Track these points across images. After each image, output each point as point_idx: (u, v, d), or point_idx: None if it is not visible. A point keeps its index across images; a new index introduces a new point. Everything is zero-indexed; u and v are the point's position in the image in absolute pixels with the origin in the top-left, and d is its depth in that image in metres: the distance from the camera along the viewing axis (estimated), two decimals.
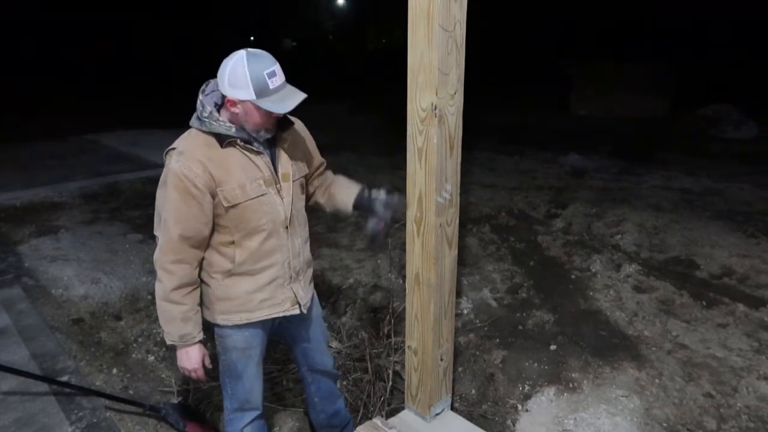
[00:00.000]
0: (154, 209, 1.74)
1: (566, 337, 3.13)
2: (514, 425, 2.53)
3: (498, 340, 3.14)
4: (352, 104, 12.52)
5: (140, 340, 3.18)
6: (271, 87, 1.55)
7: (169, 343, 1.77)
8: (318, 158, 2.00)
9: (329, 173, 2.06)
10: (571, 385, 2.72)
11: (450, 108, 1.79)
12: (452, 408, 2.44)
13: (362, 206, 1.94)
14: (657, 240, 4.48)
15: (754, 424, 2.43)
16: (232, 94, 1.56)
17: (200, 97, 1.67)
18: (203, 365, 1.84)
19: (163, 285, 1.69)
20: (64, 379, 2.67)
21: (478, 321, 3.36)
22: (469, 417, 2.46)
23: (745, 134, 9.13)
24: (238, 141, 1.65)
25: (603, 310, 3.43)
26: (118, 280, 3.86)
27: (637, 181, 6.33)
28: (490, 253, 4.33)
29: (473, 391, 2.79)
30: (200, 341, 1.80)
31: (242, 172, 1.67)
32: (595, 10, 15.08)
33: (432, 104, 1.74)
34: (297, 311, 1.89)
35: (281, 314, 1.86)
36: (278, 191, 1.76)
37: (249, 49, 1.57)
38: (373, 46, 26.80)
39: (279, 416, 2.63)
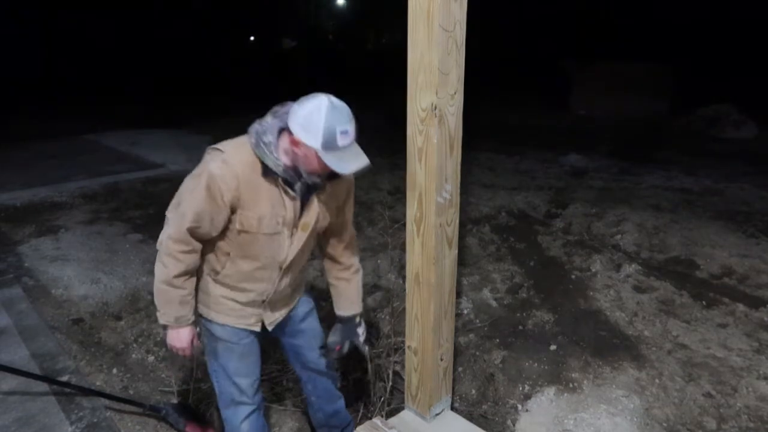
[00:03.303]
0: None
1: (566, 337, 3.13)
2: (514, 425, 2.53)
3: (498, 340, 3.14)
4: (352, 104, 12.52)
5: (140, 340, 3.18)
6: (339, 144, 1.53)
7: (162, 322, 1.79)
8: (346, 224, 1.97)
9: (353, 259, 2.06)
10: (571, 385, 2.72)
11: (450, 108, 1.79)
12: (452, 408, 2.44)
13: (342, 325, 2.09)
14: (657, 240, 4.47)
15: (754, 424, 2.43)
16: (300, 135, 1.55)
17: (269, 117, 1.65)
18: (192, 345, 1.87)
19: (167, 270, 1.69)
20: (64, 379, 2.67)
21: (478, 321, 3.36)
22: (469, 417, 2.46)
23: (745, 134, 9.13)
24: (280, 180, 1.65)
25: (603, 310, 3.43)
26: (118, 280, 3.86)
27: (637, 181, 6.33)
28: (490, 253, 4.33)
29: (473, 391, 2.78)
30: (192, 323, 1.83)
31: (269, 205, 1.68)
32: (596, 10, 15.08)
33: (432, 104, 1.74)
34: (258, 329, 1.92)
35: (245, 327, 1.89)
36: (291, 235, 1.77)
37: (332, 99, 1.56)
38: (373, 46, 26.80)
39: (279, 416, 2.63)
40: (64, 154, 7.75)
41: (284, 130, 1.62)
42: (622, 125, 9.86)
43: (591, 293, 3.64)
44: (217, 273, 1.80)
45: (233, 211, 1.66)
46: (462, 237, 3.11)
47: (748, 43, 12.37)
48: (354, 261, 2.07)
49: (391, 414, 2.42)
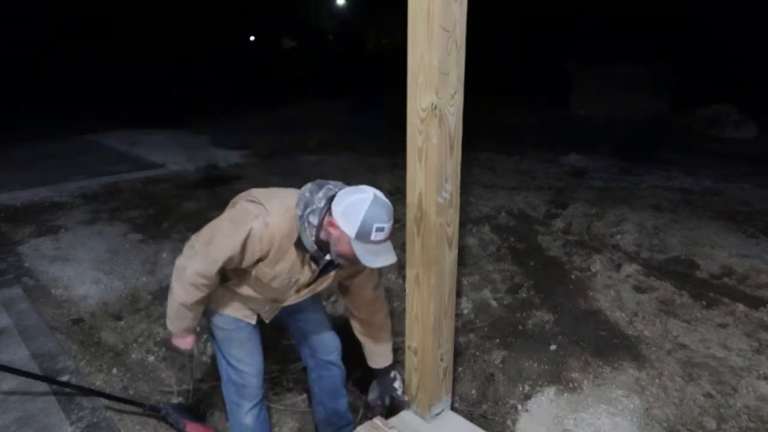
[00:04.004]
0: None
1: (566, 337, 3.13)
2: (514, 425, 2.53)
3: (498, 340, 3.14)
4: (352, 104, 12.52)
5: (140, 340, 3.18)
6: (372, 238, 1.59)
7: (171, 330, 1.93)
8: (363, 290, 2.02)
9: (375, 317, 2.10)
10: (571, 385, 2.72)
11: (450, 108, 1.79)
12: (452, 408, 2.44)
13: (378, 381, 2.22)
14: (657, 240, 4.47)
15: (754, 424, 2.43)
16: (338, 219, 1.61)
17: (321, 194, 1.69)
18: (193, 346, 2.04)
19: (188, 297, 1.79)
20: (64, 379, 2.67)
21: (478, 321, 3.36)
22: (469, 417, 2.46)
23: (745, 134, 9.13)
24: (309, 255, 1.74)
25: (603, 310, 3.43)
26: (118, 280, 3.86)
27: (637, 181, 6.32)
28: (490, 253, 4.33)
29: (473, 391, 2.78)
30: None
31: (288, 268, 1.77)
32: (596, 10, 15.07)
33: (432, 104, 1.74)
34: (254, 322, 2.01)
35: (242, 318, 1.98)
36: (298, 291, 1.88)
37: (377, 195, 1.62)
38: (373, 46, 26.79)
39: (279, 416, 2.63)
40: (64, 154, 7.75)
41: (329, 210, 1.68)
42: (622, 125, 9.86)
43: (591, 293, 3.64)
44: (225, 281, 1.89)
45: (256, 261, 1.75)
46: (462, 237, 3.11)
47: (748, 43, 12.37)
48: (383, 320, 2.13)
49: (391, 414, 2.42)
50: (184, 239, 5.08)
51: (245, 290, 1.87)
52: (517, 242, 4.52)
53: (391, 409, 2.28)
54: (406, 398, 2.25)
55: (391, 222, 1.63)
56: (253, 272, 1.77)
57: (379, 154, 7.44)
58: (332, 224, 1.63)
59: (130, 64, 17.42)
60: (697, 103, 10.01)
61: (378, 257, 1.61)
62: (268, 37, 24.16)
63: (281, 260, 1.74)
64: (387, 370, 2.20)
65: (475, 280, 3.85)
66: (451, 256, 2.03)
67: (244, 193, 1.82)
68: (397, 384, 2.22)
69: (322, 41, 25.28)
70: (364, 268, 1.91)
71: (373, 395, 2.22)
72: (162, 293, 3.70)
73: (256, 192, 1.78)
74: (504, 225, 4.92)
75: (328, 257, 1.73)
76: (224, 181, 6.39)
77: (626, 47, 12.86)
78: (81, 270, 3.98)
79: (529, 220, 5.08)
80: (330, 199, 1.67)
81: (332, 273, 1.85)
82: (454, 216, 1.98)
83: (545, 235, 4.67)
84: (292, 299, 1.91)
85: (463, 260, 3.99)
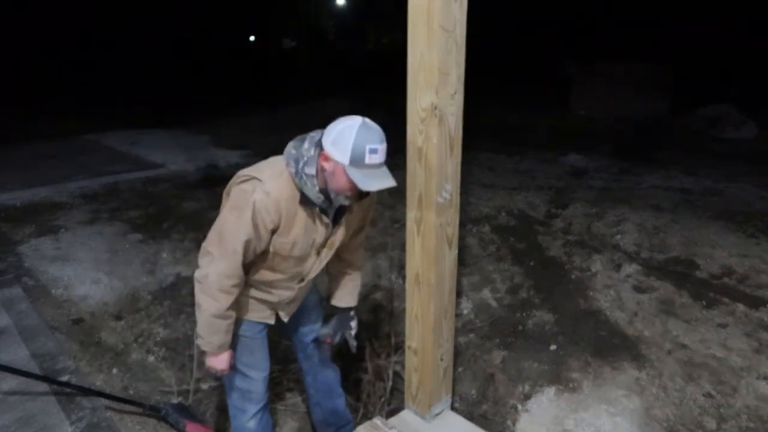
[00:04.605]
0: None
1: (566, 337, 3.13)
2: (514, 425, 2.53)
3: (498, 340, 3.14)
4: (352, 104, 12.53)
5: (140, 340, 3.18)
6: (366, 161, 1.55)
7: (205, 350, 1.83)
8: (363, 231, 2.01)
9: (359, 258, 2.09)
10: (571, 385, 2.72)
11: (450, 108, 1.79)
12: (452, 408, 2.44)
13: (337, 317, 2.13)
14: (657, 240, 4.47)
15: (754, 424, 2.43)
16: (329, 151, 1.58)
17: (306, 143, 1.66)
18: (229, 364, 1.92)
19: (219, 304, 1.73)
20: (64, 379, 2.67)
21: (478, 321, 3.36)
22: (469, 417, 2.46)
23: (745, 134, 9.12)
24: (317, 208, 1.70)
25: (603, 310, 3.43)
26: (118, 280, 3.85)
27: (637, 181, 6.32)
28: (490, 253, 4.33)
29: (473, 391, 2.78)
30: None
31: (302, 231, 1.73)
32: (596, 10, 15.08)
33: (432, 104, 1.74)
34: (273, 322, 1.97)
35: (260, 320, 1.94)
36: (318, 254, 1.84)
37: (366, 120, 1.59)
38: (373, 46, 26.80)
39: (279, 416, 2.63)
40: (64, 154, 7.75)
41: (320, 148, 1.64)
42: (622, 125, 9.86)
43: (591, 293, 3.64)
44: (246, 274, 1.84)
45: (272, 234, 1.71)
46: (462, 237, 3.11)
47: (748, 43, 12.37)
48: (358, 259, 2.11)
49: (391, 414, 2.42)
50: (184, 239, 5.10)
51: (268, 275, 1.82)
52: (517, 242, 4.52)
53: (339, 351, 2.22)
54: (355, 343, 2.17)
55: (384, 145, 1.59)
56: (272, 250, 1.73)
57: None
58: (326, 158, 1.60)
59: (130, 64, 17.42)
60: (697, 103, 10.01)
61: (376, 180, 1.56)
62: (268, 37, 24.16)
63: (294, 225, 1.70)
64: (348, 309, 2.14)
65: (475, 280, 3.85)
66: (451, 256, 2.03)
67: (231, 180, 1.76)
68: (353, 324, 2.16)
69: (322, 41, 25.29)
70: (370, 208, 1.91)
71: (326, 330, 2.13)
72: (162, 293, 3.70)
73: (242, 171, 1.73)
74: (504, 225, 4.92)
75: (336, 201, 1.70)
76: (224, 181, 6.26)
77: (626, 47, 12.87)
78: (81, 270, 3.98)
79: (529, 220, 5.08)
80: (318, 144, 1.63)
81: (342, 222, 1.81)
82: (454, 216, 1.97)
83: (545, 235, 4.67)
84: (315, 266, 1.86)
85: (463, 260, 4.00)
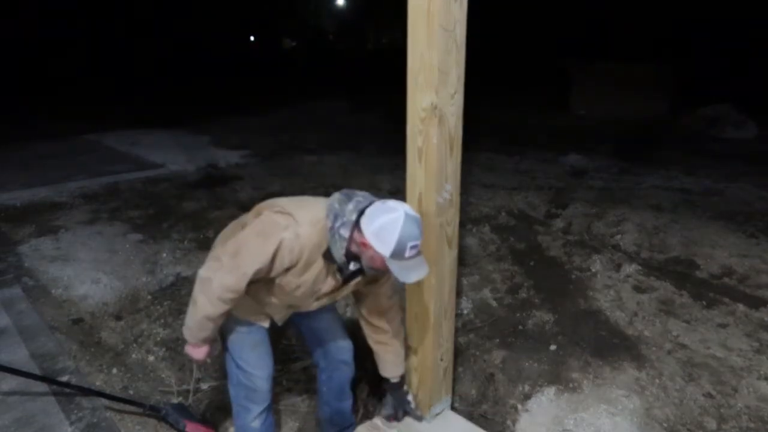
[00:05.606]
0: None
1: (566, 337, 3.13)
2: (514, 425, 2.53)
3: (498, 340, 3.14)
4: (352, 104, 12.52)
5: (140, 340, 3.18)
6: (406, 255, 1.59)
7: (188, 340, 1.88)
8: (380, 296, 2.00)
9: (389, 325, 2.07)
10: (571, 385, 2.72)
11: (450, 108, 1.79)
12: (452, 408, 2.44)
13: (392, 395, 2.20)
14: (657, 240, 4.48)
15: (754, 424, 2.43)
16: (372, 241, 1.60)
17: (351, 205, 1.66)
18: (207, 357, 1.96)
19: (215, 310, 1.75)
20: (64, 379, 2.67)
21: (478, 321, 3.36)
22: (469, 417, 2.46)
23: (745, 134, 9.12)
24: (336, 266, 1.73)
25: (603, 310, 3.43)
26: (118, 280, 3.85)
27: (637, 181, 6.32)
28: (490, 253, 4.33)
29: (473, 391, 2.78)
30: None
31: (312, 278, 1.76)
32: (595, 10, 15.08)
33: (432, 104, 1.74)
34: (267, 326, 1.98)
35: (254, 321, 1.96)
36: (318, 299, 1.87)
37: (408, 212, 1.60)
38: (373, 46, 26.81)
39: (279, 416, 2.63)
40: (64, 154, 7.75)
41: (358, 226, 1.65)
42: (622, 125, 9.86)
43: (591, 293, 3.64)
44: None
45: (285, 271, 1.74)
46: (462, 237, 3.11)
47: (748, 43, 12.37)
48: (393, 327, 2.09)
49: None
50: (184, 239, 5.09)
51: (264, 297, 1.86)
52: (517, 242, 4.52)
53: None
54: (419, 413, 2.24)
55: (422, 238, 1.63)
56: (277, 281, 1.76)
57: (379, 154, 7.43)
58: (365, 245, 1.62)
59: (130, 64, 17.42)
60: (697, 103, 10.01)
61: (413, 272, 1.61)
62: (268, 37, 24.17)
63: (308, 270, 1.73)
64: (400, 383, 2.18)
65: (475, 280, 3.85)
66: (451, 256, 2.03)
67: (267, 203, 1.78)
68: (410, 397, 2.21)
69: (322, 41, 25.30)
70: (386, 275, 1.89)
71: (387, 411, 2.21)
72: (162, 293, 3.70)
73: (283, 202, 1.75)
74: (504, 225, 4.92)
75: (352, 267, 1.73)
76: (224, 181, 6.39)
77: (626, 47, 12.87)
78: (81, 270, 3.98)
79: (529, 220, 5.08)
80: (360, 213, 1.64)
81: (353, 282, 1.84)
82: (454, 216, 1.98)
83: (545, 235, 4.67)
84: (311, 306, 1.90)
85: (463, 260, 3.99)
